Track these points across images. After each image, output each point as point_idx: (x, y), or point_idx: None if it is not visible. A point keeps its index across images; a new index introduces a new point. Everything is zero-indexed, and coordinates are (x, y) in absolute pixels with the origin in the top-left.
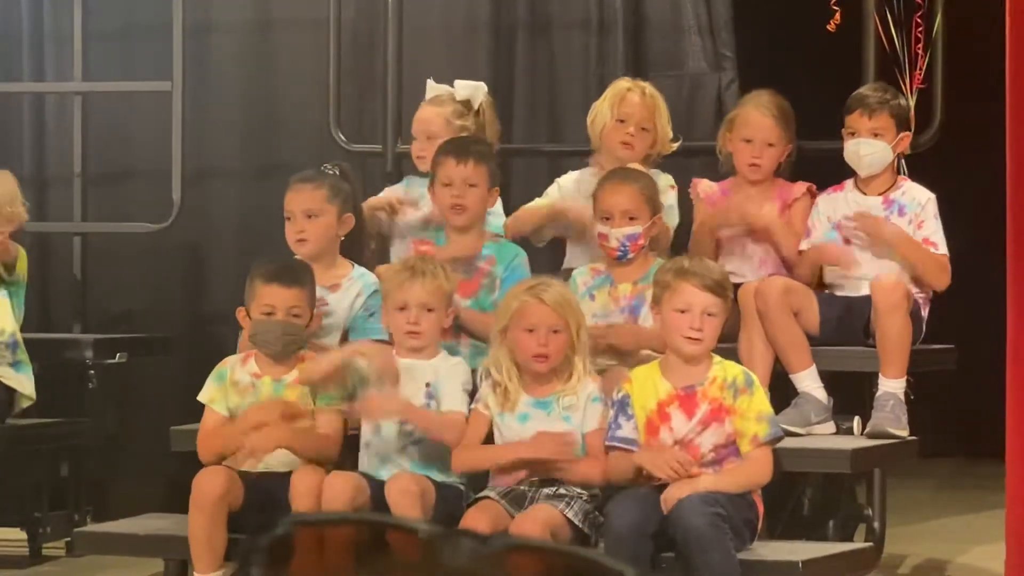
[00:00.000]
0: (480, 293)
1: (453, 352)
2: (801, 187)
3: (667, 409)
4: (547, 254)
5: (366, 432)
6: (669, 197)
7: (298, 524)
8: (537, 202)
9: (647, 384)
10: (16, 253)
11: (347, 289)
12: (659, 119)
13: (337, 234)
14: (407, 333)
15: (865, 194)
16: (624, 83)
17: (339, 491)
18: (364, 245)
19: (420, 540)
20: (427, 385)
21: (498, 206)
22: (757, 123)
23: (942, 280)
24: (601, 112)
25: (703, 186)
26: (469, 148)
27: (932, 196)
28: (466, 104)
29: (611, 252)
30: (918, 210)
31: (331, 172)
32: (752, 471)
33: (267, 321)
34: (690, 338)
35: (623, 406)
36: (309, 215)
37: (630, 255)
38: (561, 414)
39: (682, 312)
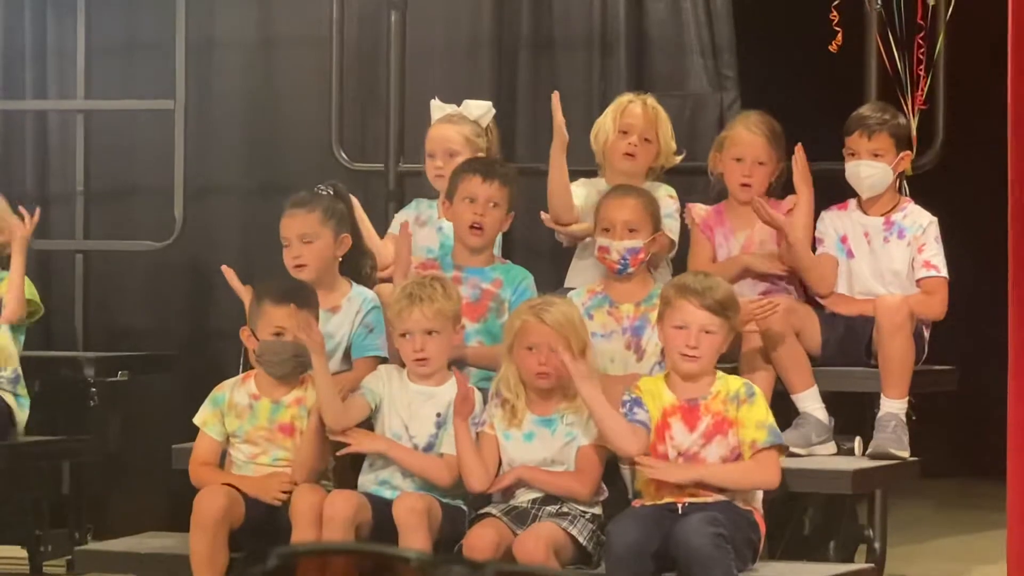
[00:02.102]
0: (488, 316)
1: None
2: (792, 200)
3: (669, 419)
4: (550, 273)
5: (376, 456)
6: (668, 205)
7: (289, 555)
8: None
9: (654, 392)
10: (24, 313)
11: (347, 310)
12: (661, 131)
13: (335, 255)
14: (415, 360)
15: (867, 214)
16: (626, 96)
17: (340, 509)
18: (362, 263)
19: (412, 568)
20: (438, 415)
21: None
22: (747, 142)
23: (935, 309)
24: (604, 126)
25: (697, 211)
26: (497, 168)
27: (934, 219)
28: (476, 123)
29: (612, 265)
30: (918, 233)
31: (325, 192)
32: (754, 471)
33: (276, 342)
34: (686, 355)
35: (637, 402)
36: (305, 240)
37: (630, 269)
38: (565, 431)
39: (680, 328)
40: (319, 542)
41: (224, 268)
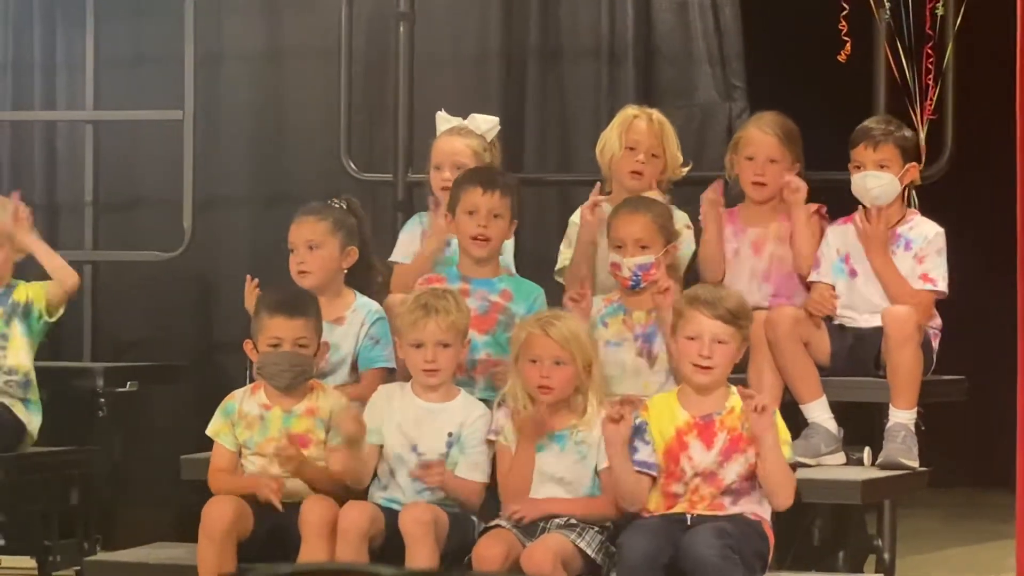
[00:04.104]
0: (497, 329)
1: (468, 389)
2: (809, 208)
3: (685, 438)
4: (554, 280)
5: (383, 476)
6: (685, 237)
7: None
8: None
9: (664, 412)
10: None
11: (351, 321)
12: (668, 144)
13: (340, 266)
14: (425, 372)
15: None
16: (631, 110)
17: (355, 521)
18: (372, 278)
19: None
20: (449, 434)
21: (509, 240)
22: (759, 141)
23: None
24: (610, 141)
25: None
26: (497, 178)
27: (940, 231)
28: (483, 137)
29: (624, 282)
30: (923, 244)
31: (338, 206)
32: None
33: (274, 353)
34: (699, 366)
35: (640, 431)
36: (311, 246)
37: (642, 284)
38: (575, 449)
39: (692, 339)
40: (297, 563)
41: (248, 280)
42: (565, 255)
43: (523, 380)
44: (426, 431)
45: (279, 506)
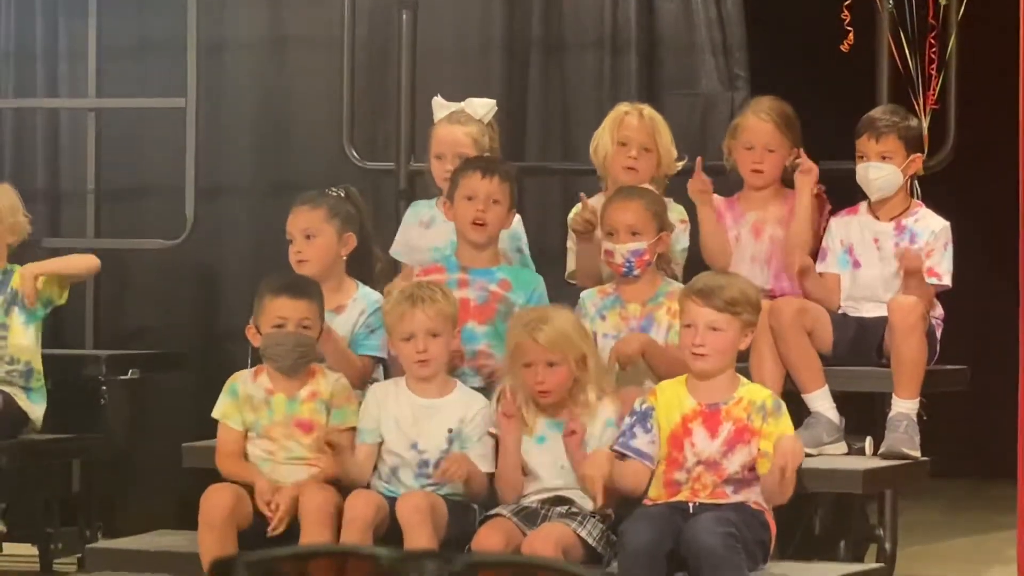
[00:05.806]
0: (496, 319)
1: (468, 380)
2: (814, 188)
3: (690, 424)
4: (561, 272)
5: (385, 472)
6: (680, 231)
7: (253, 563)
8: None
9: (672, 398)
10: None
11: (351, 310)
12: (660, 139)
13: (339, 253)
14: (417, 363)
15: (878, 219)
16: (622, 107)
17: (361, 510)
18: (371, 265)
19: (382, 565)
20: (449, 431)
21: (519, 226)
22: (757, 129)
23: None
24: (602, 140)
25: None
26: (495, 165)
27: (946, 225)
28: (480, 122)
29: (616, 268)
30: (930, 238)
31: (335, 194)
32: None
33: (279, 333)
34: (695, 353)
35: (644, 418)
36: (308, 235)
37: (635, 271)
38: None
39: (688, 327)
40: (285, 548)
41: None
42: (572, 258)
43: (521, 383)
44: (425, 428)
45: (272, 517)
